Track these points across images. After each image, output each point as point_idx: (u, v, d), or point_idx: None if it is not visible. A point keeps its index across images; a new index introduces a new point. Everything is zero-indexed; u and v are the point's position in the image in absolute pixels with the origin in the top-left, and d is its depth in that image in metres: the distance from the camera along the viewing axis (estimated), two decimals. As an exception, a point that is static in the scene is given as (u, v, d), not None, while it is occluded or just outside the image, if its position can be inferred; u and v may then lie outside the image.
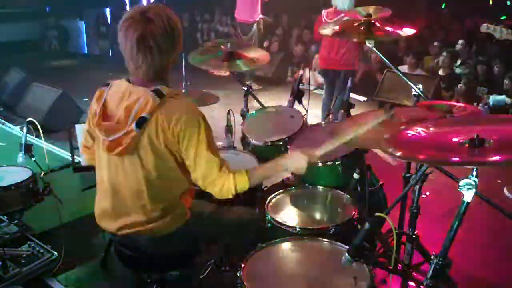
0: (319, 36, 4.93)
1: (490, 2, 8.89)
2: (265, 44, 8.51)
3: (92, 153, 2.09)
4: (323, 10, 5.20)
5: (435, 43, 7.30)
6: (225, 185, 1.87)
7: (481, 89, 6.28)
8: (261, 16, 7.36)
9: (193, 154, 1.83)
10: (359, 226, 2.20)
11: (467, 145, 1.41)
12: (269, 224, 2.23)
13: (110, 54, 11.28)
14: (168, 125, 1.79)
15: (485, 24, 3.30)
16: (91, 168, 3.14)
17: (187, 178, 1.96)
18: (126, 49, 1.80)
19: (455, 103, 2.57)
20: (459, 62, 6.84)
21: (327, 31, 3.14)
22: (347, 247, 1.64)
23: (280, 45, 8.92)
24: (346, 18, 4.84)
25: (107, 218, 2.01)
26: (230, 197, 1.91)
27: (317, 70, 7.53)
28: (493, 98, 5.81)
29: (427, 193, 2.21)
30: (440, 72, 6.74)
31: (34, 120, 2.86)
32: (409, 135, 1.59)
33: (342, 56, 5.15)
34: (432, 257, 1.51)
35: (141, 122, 1.77)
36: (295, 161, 2.02)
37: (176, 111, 1.80)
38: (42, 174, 2.90)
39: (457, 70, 6.75)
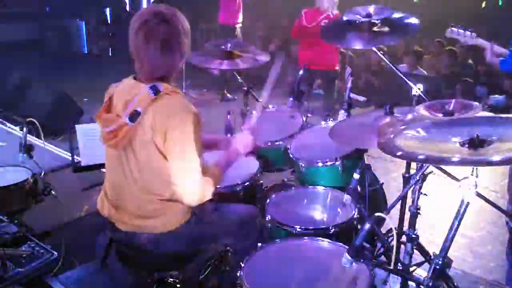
0: (297, 34, 4.93)
1: (483, 5, 8.93)
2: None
3: None
4: (303, 11, 5.16)
5: (435, 43, 7.30)
6: (200, 193, 1.85)
7: (481, 89, 6.28)
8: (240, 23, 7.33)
9: (176, 154, 1.81)
10: (359, 226, 2.20)
11: (467, 145, 1.41)
12: (269, 224, 2.23)
13: (110, 54, 11.28)
14: (157, 121, 1.80)
15: (451, 28, 3.18)
16: (91, 168, 3.14)
17: None
18: (146, 52, 1.82)
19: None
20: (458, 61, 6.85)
21: None
22: (347, 247, 1.64)
23: (280, 45, 8.92)
24: (325, 21, 4.82)
25: (108, 213, 2.03)
26: (195, 204, 1.88)
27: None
28: (493, 98, 5.81)
29: (427, 193, 2.20)
30: (440, 72, 6.75)
31: (34, 120, 2.86)
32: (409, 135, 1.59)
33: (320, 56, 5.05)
34: (432, 257, 1.51)
35: (134, 116, 1.81)
36: (241, 140, 2.13)
37: (167, 107, 1.81)
38: (42, 174, 2.90)
39: (457, 70, 6.75)
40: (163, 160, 1.86)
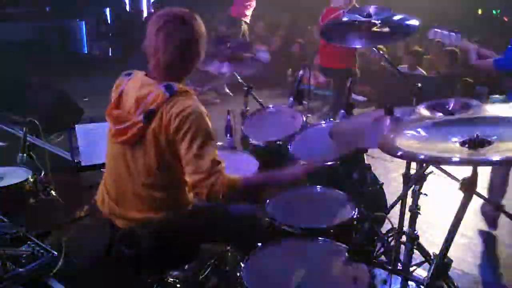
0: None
1: (480, 12, 8.91)
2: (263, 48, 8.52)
3: None
4: (325, 8, 5.16)
5: (435, 43, 7.29)
6: (216, 185, 1.80)
7: (481, 89, 6.27)
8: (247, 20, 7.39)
9: (185, 150, 1.82)
10: (359, 226, 2.20)
11: (467, 145, 1.41)
12: (269, 224, 2.23)
13: (110, 54, 11.28)
14: (170, 120, 1.82)
15: (433, 29, 3.04)
16: (91, 168, 3.14)
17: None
18: (165, 52, 1.86)
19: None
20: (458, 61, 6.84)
21: None
22: (347, 247, 1.64)
23: (280, 44, 8.92)
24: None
25: (109, 210, 2.04)
26: (219, 198, 1.83)
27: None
28: (493, 98, 5.80)
29: (427, 193, 2.21)
30: (440, 72, 6.74)
31: (34, 120, 2.87)
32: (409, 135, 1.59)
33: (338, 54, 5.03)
34: (432, 257, 1.51)
35: (149, 115, 1.83)
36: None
37: (180, 107, 1.83)
38: (42, 174, 2.90)
39: (457, 70, 6.74)
40: (172, 159, 1.88)
